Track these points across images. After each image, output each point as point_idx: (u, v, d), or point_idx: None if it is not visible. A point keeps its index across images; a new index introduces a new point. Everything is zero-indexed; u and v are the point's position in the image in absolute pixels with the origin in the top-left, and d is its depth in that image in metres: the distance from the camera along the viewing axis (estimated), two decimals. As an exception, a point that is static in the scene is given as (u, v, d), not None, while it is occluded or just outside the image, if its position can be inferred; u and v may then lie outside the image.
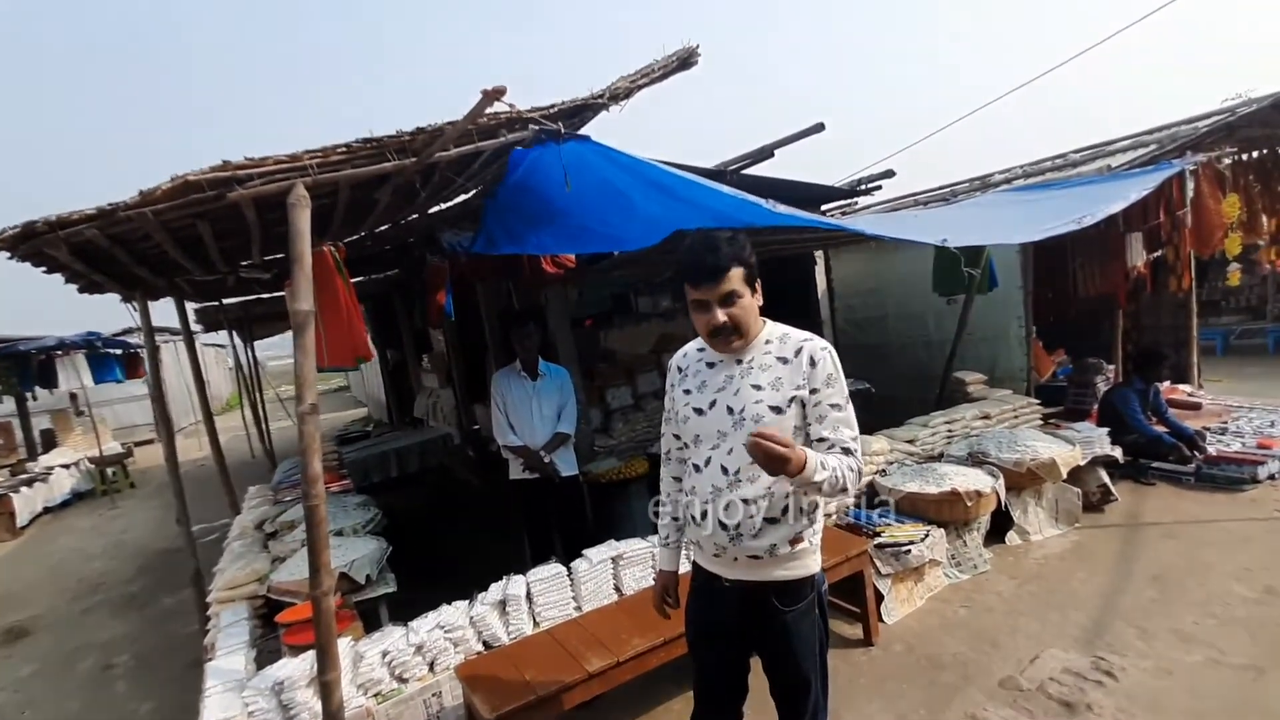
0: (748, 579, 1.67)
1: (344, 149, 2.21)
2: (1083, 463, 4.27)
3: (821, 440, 1.62)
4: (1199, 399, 6.40)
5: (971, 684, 2.77)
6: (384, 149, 2.27)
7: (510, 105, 2.22)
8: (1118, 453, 4.55)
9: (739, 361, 1.68)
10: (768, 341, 1.69)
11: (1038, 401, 5.31)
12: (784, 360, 1.64)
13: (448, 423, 7.96)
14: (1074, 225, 3.31)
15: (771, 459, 1.40)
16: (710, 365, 1.73)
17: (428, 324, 7.42)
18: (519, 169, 2.58)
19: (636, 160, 2.52)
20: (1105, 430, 4.60)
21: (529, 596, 2.89)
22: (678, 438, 1.81)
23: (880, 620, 3.27)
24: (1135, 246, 5.92)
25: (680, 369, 1.81)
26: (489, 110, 2.41)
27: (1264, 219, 4.62)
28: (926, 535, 3.47)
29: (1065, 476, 4.11)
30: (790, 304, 7.11)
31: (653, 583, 2.05)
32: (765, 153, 4.84)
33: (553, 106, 2.50)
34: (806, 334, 1.71)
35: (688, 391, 1.75)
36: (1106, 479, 4.44)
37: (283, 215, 2.15)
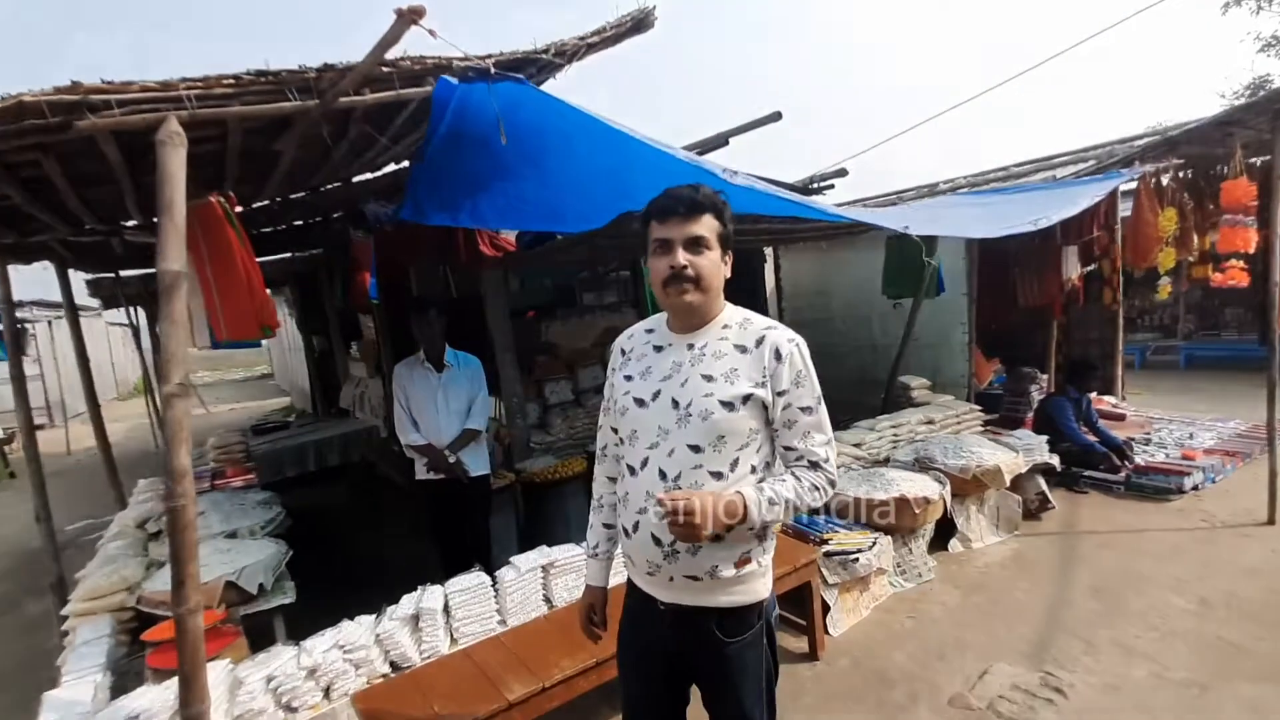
0: (686, 603, 1.44)
1: (232, 80, 1.85)
2: (1024, 470, 4.26)
3: (789, 450, 1.44)
4: (1123, 410, 6.62)
5: (920, 703, 2.63)
6: (282, 86, 1.92)
7: (439, 50, 1.91)
8: (1055, 460, 4.58)
9: (690, 346, 1.45)
10: (725, 326, 1.46)
11: (979, 408, 5.33)
12: (742, 349, 1.42)
13: (375, 415, 7.46)
14: (1030, 226, 3.25)
15: (690, 528, 1.26)
16: (658, 349, 1.50)
17: (354, 307, 6.90)
18: (447, 111, 2.24)
19: (581, 112, 2.21)
20: (1045, 438, 4.62)
21: (446, 610, 2.58)
22: (615, 431, 1.56)
23: (826, 632, 3.10)
24: (1071, 259, 6.05)
25: (624, 351, 1.57)
26: (416, 55, 2.11)
27: (1194, 236, 4.75)
28: (874, 543, 3.33)
29: (1009, 484, 4.08)
30: (738, 302, 6.99)
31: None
32: (720, 140, 4.64)
33: (489, 56, 2.20)
34: (770, 322, 1.48)
35: (629, 378, 1.51)
36: (1045, 487, 4.45)
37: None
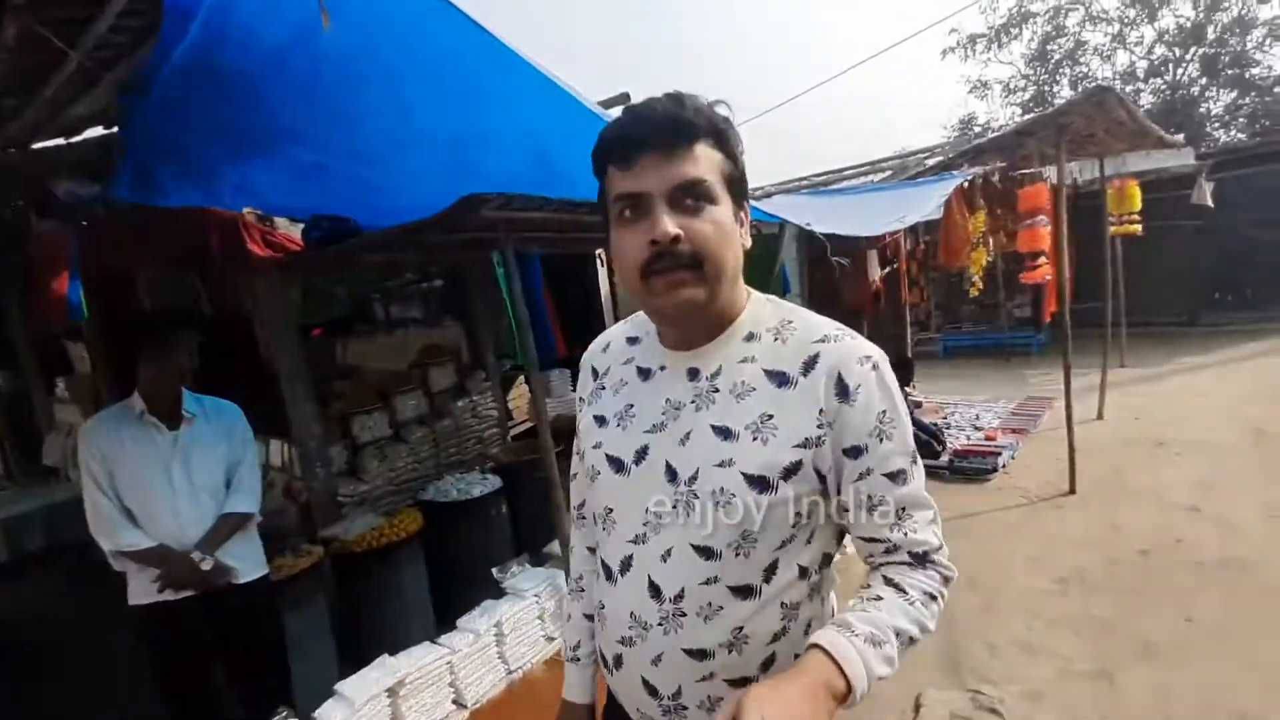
0: None
1: None
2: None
3: (876, 542, 0.90)
4: (919, 398, 7.32)
5: (868, 759, 2.29)
6: None
7: None
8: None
9: (694, 374, 0.91)
10: (751, 337, 0.91)
11: (821, 407, 5.39)
12: (782, 380, 0.87)
13: (94, 475, 5.55)
14: (898, 224, 3.16)
15: None
16: (644, 374, 0.97)
17: (49, 331, 5.04)
18: (196, 17, 1.34)
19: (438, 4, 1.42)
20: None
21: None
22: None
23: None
24: (873, 263, 6.51)
25: (595, 372, 1.05)
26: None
27: (990, 238, 5.29)
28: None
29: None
30: (573, 309, 6.42)
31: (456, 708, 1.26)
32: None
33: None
34: (827, 325, 0.92)
35: (600, 421, 0.99)
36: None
37: None
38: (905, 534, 0.89)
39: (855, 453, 0.86)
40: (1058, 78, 14.61)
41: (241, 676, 2.24)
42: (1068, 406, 4.51)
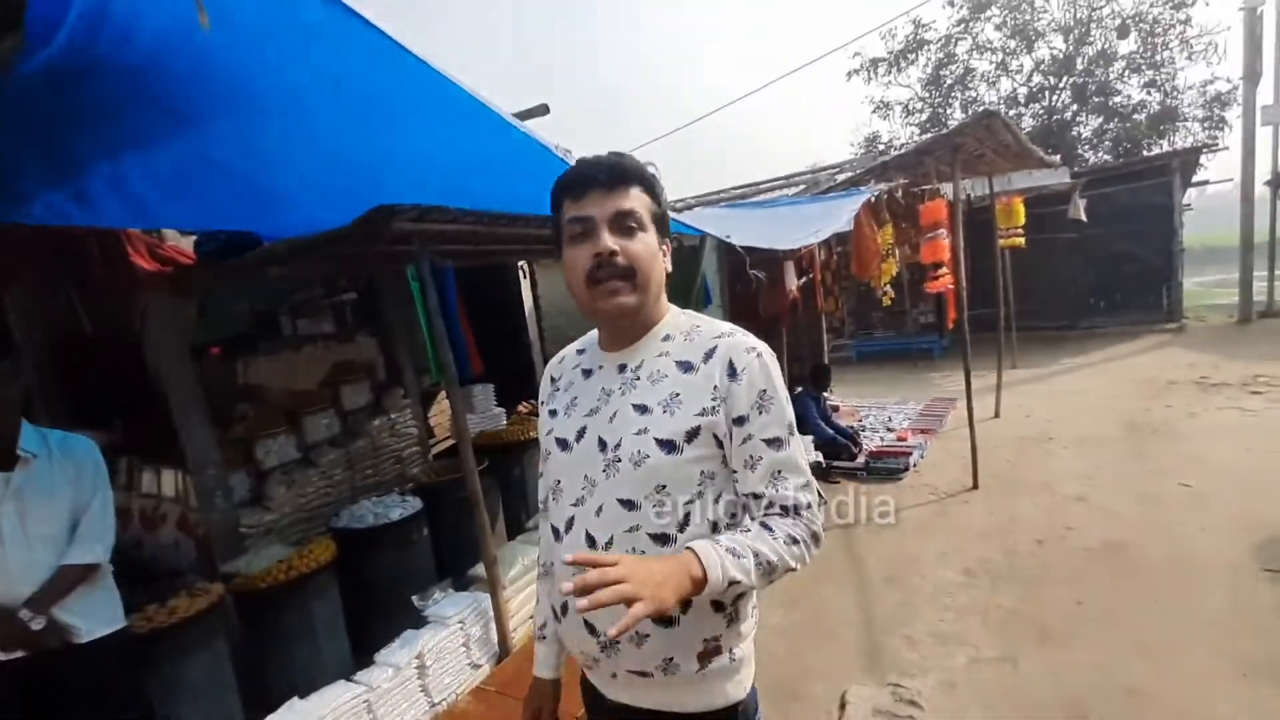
0: (636, 705, 1.11)
1: None
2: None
3: (757, 498, 1.07)
4: (837, 402, 7.62)
5: (798, 762, 2.33)
6: None
7: None
8: (819, 456, 4.90)
9: (622, 368, 1.13)
10: (667, 338, 1.14)
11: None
12: (686, 366, 1.09)
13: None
14: (814, 237, 3.29)
15: (605, 602, 0.83)
16: (586, 374, 1.19)
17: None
18: (64, 25, 1.21)
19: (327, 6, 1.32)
20: (810, 437, 4.91)
21: None
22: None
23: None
24: (790, 273, 6.74)
25: (553, 379, 1.27)
26: None
27: (897, 250, 5.60)
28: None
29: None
30: (496, 323, 6.28)
31: None
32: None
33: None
34: (726, 326, 1.14)
35: (554, 414, 1.21)
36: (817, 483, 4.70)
37: None
38: (778, 491, 1.05)
39: (741, 421, 1.05)
40: (950, 101, 15.74)
41: None
42: (969, 408, 4.81)
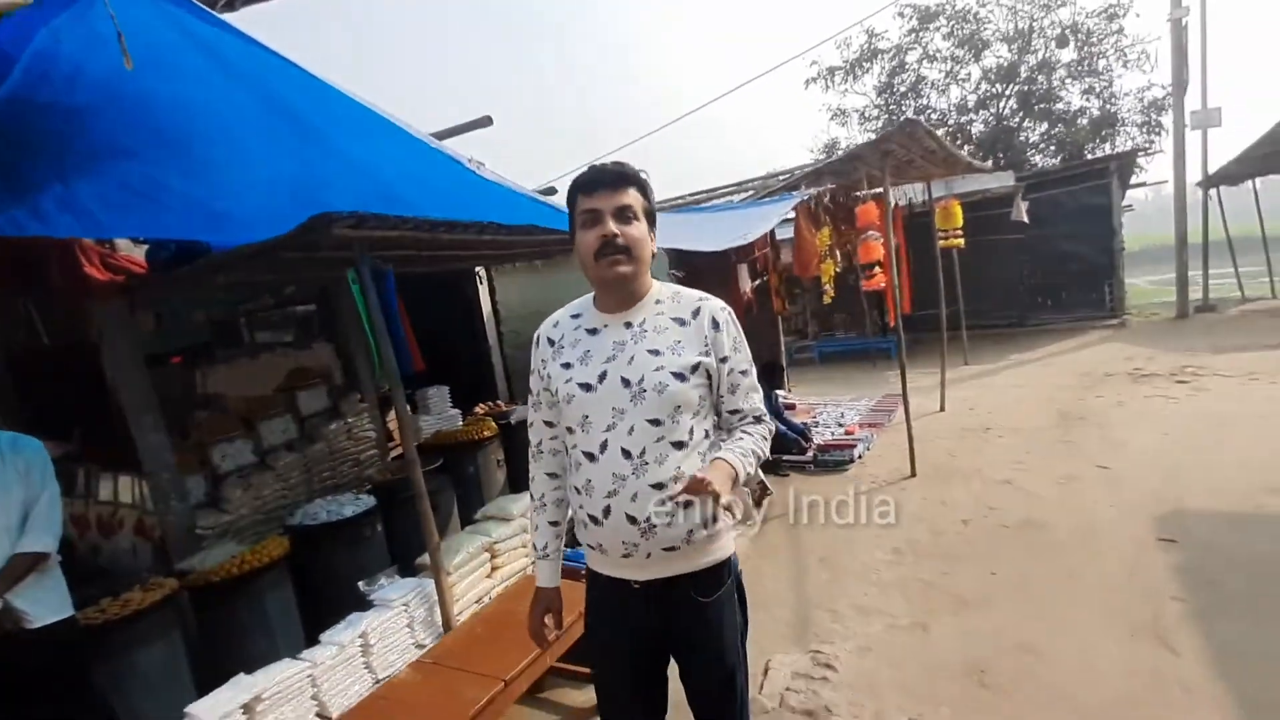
0: (663, 576, 1.47)
1: None
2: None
3: (736, 412, 1.52)
4: (793, 400, 7.88)
5: (720, 723, 2.51)
6: None
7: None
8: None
9: (628, 325, 1.47)
10: (659, 301, 1.50)
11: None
12: (681, 321, 1.47)
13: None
14: (740, 240, 3.50)
15: (707, 494, 1.27)
16: (592, 332, 1.50)
17: None
18: (15, 68, 1.37)
19: (251, 48, 1.49)
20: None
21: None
22: (551, 425, 1.57)
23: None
24: (743, 275, 7.00)
25: (552, 341, 1.55)
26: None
27: (838, 251, 5.86)
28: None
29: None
30: (456, 327, 6.41)
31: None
32: (425, 146, 4.12)
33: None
34: (700, 293, 1.54)
35: (568, 365, 1.49)
36: (763, 476, 4.92)
37: None
38: (749, 404, 1.52)
39: (724, 360, 1.48)
40: (903, 108, 16.25)
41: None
42: (905, 401, 5.08)
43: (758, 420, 1.52)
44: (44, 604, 2.11)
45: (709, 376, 1.46)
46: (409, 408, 5.28)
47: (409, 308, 4.93)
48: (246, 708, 1.98)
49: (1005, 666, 2.68)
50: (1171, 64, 11.09)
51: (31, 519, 2.10)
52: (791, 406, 7.53)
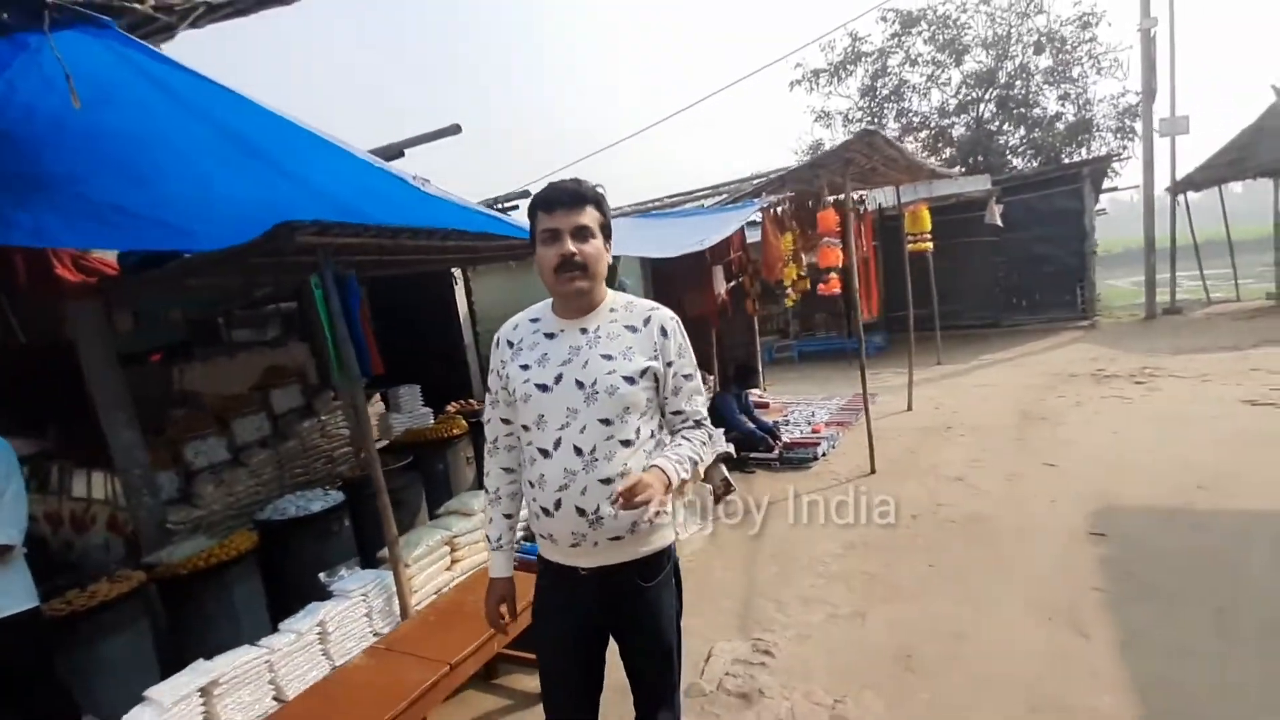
0: (608, 563, 1.59)
1: None
2: (710, 461, 4.79)
3: (678, 413, 1.64)
4: (768, 399, 8.04)
5: (661, 705, 2.67)
6: None
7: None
8: (732, 448, 5.28)
9: (584, 331, 1.58)
10: (612, 310, 1.62)
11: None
12: (632, 329, 1.59)
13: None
14: (698, 245, 3.65)
15: (641, 503, 1.38)
16: (550, 336, 1.60)
17: None
18: None
19: (200, 83, 1.61)
20: (721, 430, 5.28)
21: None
22: (508, 422, 1.68)
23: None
24: (719, 277, 7.14)
25: (511, 343, 1.64)
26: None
27: (803, 255, 6.02)
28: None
29: (702, 475, 4.53)
30: (432, 327, 6.53)
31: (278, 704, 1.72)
32: (393, 152, 4.25)
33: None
34: (651, 303, 1.67)
35: (525, 367, 1.59)
36: (726, 473, 5.07)
37: None
38: (691, 407, 1.65)
39: (669, 364, 1.60)
40: (886, 111, 16.46)
41: (8, 710, 2.23)
42: (865, 401, 5.25)
43: (698, 425, 1.64)
44: (9, 594, 2.24)
45: (656, 380, 1.58)
46: (383, 405, 5.42)
47: (386, 309, 5.07)
48: (204, 691, 2.11)
49: (932, 651, 2.85)
50: (1141, 73, 11.34)
51: None
52: (765, 405, 7.70)
